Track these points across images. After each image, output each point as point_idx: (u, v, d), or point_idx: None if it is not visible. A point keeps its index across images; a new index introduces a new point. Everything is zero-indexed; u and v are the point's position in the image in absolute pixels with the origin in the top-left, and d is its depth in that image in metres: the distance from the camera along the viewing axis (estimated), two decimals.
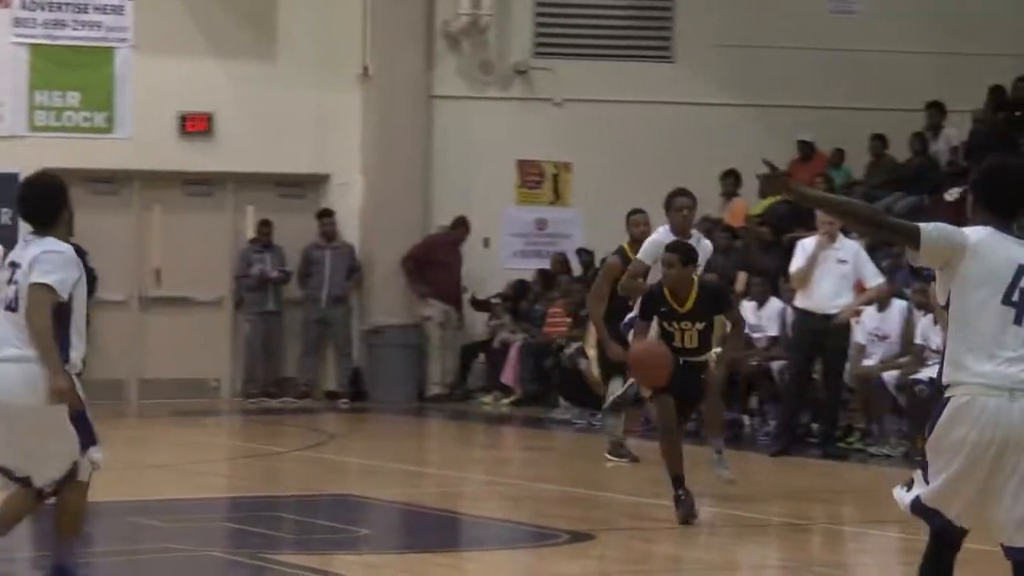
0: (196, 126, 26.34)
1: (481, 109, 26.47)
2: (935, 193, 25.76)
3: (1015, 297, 7.99)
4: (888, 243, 8.06)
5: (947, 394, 8.06)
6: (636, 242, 18.41)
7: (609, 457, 19.64)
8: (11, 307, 9.30)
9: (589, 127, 27.22)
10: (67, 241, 9.71)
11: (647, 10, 28.31)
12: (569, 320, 25.80)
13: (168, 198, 26.75)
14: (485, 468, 21.42)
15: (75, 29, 26.62)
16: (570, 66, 27.48)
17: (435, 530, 15.61)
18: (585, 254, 26.92)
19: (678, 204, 15.44)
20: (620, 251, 19.24)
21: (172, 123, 26.29)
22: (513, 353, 26.25)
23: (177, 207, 26.78)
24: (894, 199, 25.87)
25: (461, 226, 27.29)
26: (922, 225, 8.24)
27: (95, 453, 9.63)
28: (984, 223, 8.24)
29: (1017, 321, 7.98)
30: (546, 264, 27.47)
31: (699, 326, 14.40)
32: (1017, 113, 27.13)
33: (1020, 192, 8.27)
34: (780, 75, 27.76)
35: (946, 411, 8.02)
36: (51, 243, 9.72)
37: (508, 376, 26.22)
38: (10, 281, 9.29)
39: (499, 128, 27.03)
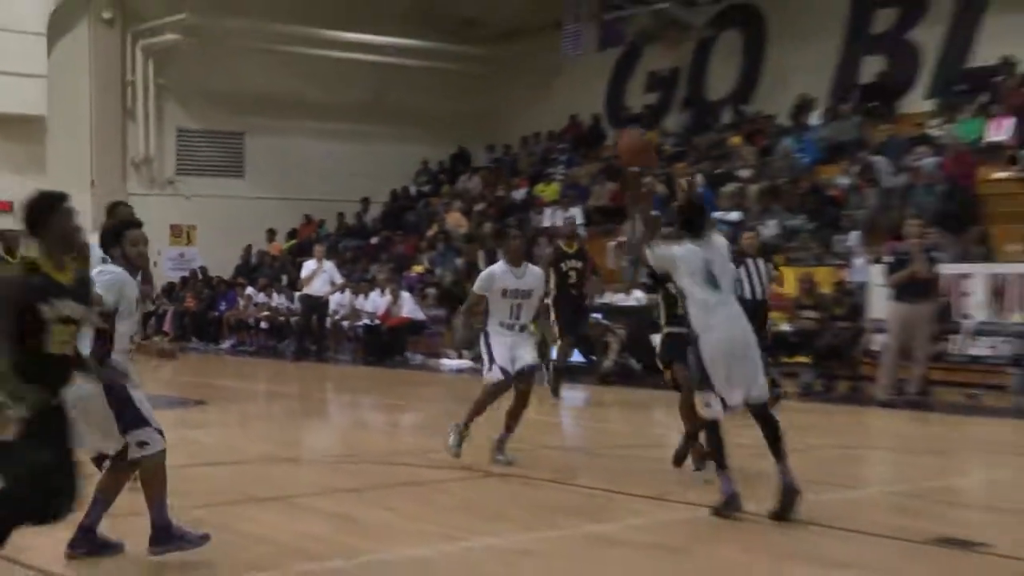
0: (3, 207, 23.66)
1: (153, 201, 25.54)
2: (366, 239, 26.65)
3: (707, 278, 7.34)
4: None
5: (700, 334, 7.26)
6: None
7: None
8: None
9: (204, 209, 26.83)
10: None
11: (230, 147, 27.85)
12: (196, 300, 25.72)
13: None
14: (151, 372, 20.95)
15: None
16: (194, 179, 27.24)
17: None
18: (203, 271, 26.78)
19: (512, 235, 9.94)
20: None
21: None
22: (169, 315, 25.76)
23: None
24: (356, 241, 26.70)
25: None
26: (659, 247, 7.52)
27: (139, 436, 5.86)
28: (684, 238, 7.48)
29: (716, 288, 7.32)
30: (185, 273, 27.16)
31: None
32: (405, 203, 28.04)
33: (701, 218, 7.56)
34: (300, 182, 27.79)
35: (705, 345, 7.23)
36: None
37: (167, 327, 25.65)
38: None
39: (161, 211, 26.03)
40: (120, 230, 6.18)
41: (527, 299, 8.99)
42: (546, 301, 12.23)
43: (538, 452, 8.78)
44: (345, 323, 22.19)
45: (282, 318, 23.42)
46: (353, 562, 6.13)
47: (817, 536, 6.70)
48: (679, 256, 7.40)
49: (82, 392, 5.42)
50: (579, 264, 14.00)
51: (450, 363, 19.74)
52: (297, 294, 22.37)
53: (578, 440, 10.33)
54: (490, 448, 9.04)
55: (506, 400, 9.12)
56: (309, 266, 21.53)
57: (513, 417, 9.03)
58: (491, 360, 8.94)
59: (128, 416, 5.86)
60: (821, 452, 9.70)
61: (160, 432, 5.96)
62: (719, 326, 7.27)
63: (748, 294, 12.62)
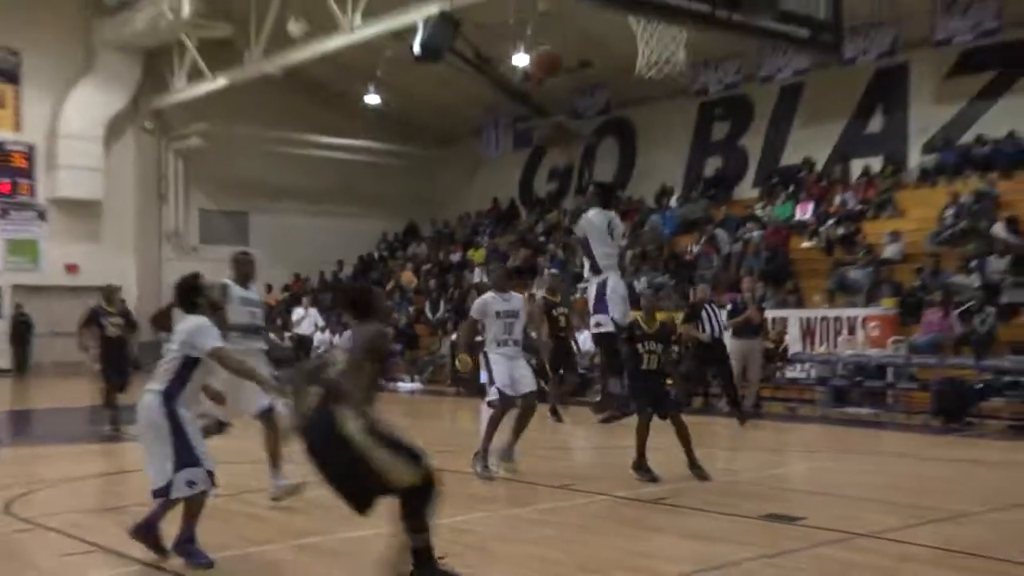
0: (72, 269, 23.99)
1: (181, 264, 23.85)
2: (333, 290, 26.45)
3: (611, 234, 8.04)
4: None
5: (604, 271, 7.97)
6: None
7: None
8: None
9: (220, 270, 21.90)
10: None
11: (238, 222, 27.20)
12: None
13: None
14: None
15: None
16: (212, 247, 25.74)
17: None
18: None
19: (493, 268, 9.29)
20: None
21: (62, 266, 23.96)
22: None
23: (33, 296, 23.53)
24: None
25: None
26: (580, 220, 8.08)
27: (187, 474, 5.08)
28: (597, 207, 8.14)
29: (612, 241, 8.00)
30: None
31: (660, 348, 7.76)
32: (369, 264, 27.40)
33: (611, 194, 8.00)
34: (291, 248, 26.83)
35: (607, 281, 7.92)
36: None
37: None
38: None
39: (187, 271, 24.20)
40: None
41: (516, 318, 8.01)
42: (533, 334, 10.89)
43: (468, 453, 8.57)
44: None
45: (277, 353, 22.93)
46: (331, 537, 5.91)
47: (682, 515, 6.67)
48: (591, 219, 8.10)
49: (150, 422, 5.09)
50: (565, 310, 12.67)
51: (405, 385, 19.79)
52: (288, 334, 21.96)
53: (498, 443, 10.14)
54: (496, 454, 8.17)
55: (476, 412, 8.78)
56: (298, 312, 21.48)
57: (519, 427, 8.13)
58: (491, 382, 7.96)
59: (184, 453, 5.11)
60: (682, 452, 9.58)
61: (210, 473, 5.19)
62: (613, 268, 8.07)
63: (707, 332, 12.48)
